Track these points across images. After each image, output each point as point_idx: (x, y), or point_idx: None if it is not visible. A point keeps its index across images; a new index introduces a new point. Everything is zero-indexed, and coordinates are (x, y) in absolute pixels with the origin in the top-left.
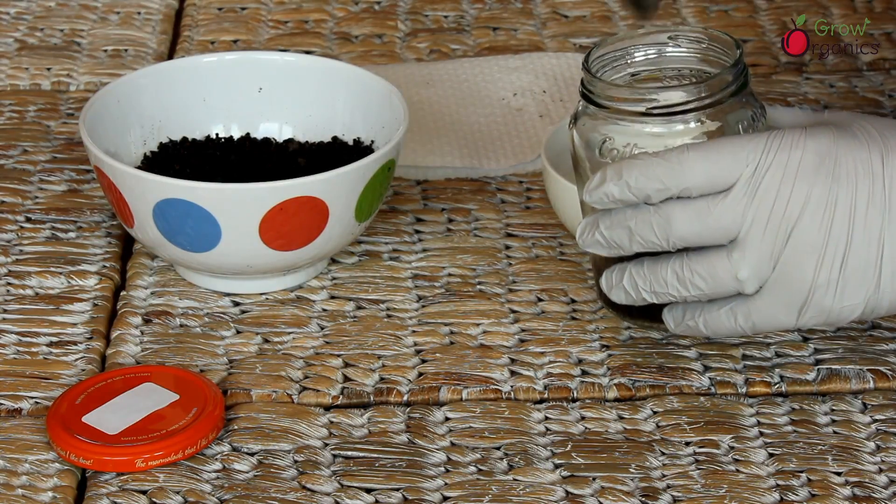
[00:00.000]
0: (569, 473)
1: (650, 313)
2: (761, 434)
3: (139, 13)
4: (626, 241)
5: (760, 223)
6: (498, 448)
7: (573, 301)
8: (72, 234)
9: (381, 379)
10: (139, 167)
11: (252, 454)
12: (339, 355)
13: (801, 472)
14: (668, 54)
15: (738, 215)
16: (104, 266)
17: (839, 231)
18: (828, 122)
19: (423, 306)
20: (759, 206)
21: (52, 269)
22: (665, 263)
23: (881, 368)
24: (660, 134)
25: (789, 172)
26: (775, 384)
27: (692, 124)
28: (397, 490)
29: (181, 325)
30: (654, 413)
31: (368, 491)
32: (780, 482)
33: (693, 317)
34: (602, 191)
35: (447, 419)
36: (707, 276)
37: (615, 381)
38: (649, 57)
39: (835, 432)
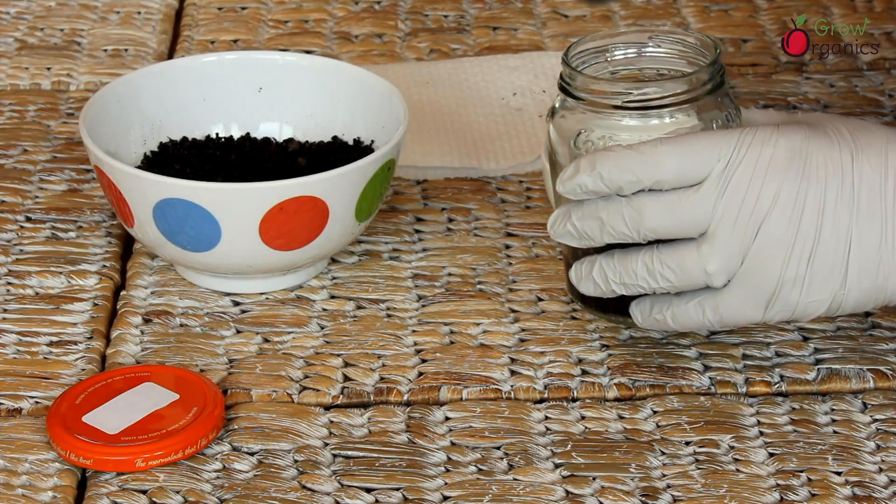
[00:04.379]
0: (569, 473)
1: (618, 307)
2: (761, 434)
3: (139, 13)
4: (598, 232)
5: (730, 217)
6: (498, 448)
7: (573, 301)
8: (72, 234)
9: (381, 379)
10: (139, 167)
11: (252, 454)
12: (339, 355)
13: (801, 471)
14: (647, 54)
15: (708, 209)
16: (104, 266)
17: (808, 227)
18: (801, 121)
19: (424, 306)
20: (729, 201)
21: (52, 268)
22: (635, 255)
23: (881, 368)
24: (635, 128)
25: (760, 168)
26: (775, 384)
27: (667, 119)
28: (397, 490)
29: (181, 325)
30: (655, 413)
31: (368, 491)
32: (780, 482)
33: (661, 310)
34: (575, 182)
35: (447, 419)
36: (676, 268)
37: (615, 380)
38: (629, 56)
39: (835, 432)
